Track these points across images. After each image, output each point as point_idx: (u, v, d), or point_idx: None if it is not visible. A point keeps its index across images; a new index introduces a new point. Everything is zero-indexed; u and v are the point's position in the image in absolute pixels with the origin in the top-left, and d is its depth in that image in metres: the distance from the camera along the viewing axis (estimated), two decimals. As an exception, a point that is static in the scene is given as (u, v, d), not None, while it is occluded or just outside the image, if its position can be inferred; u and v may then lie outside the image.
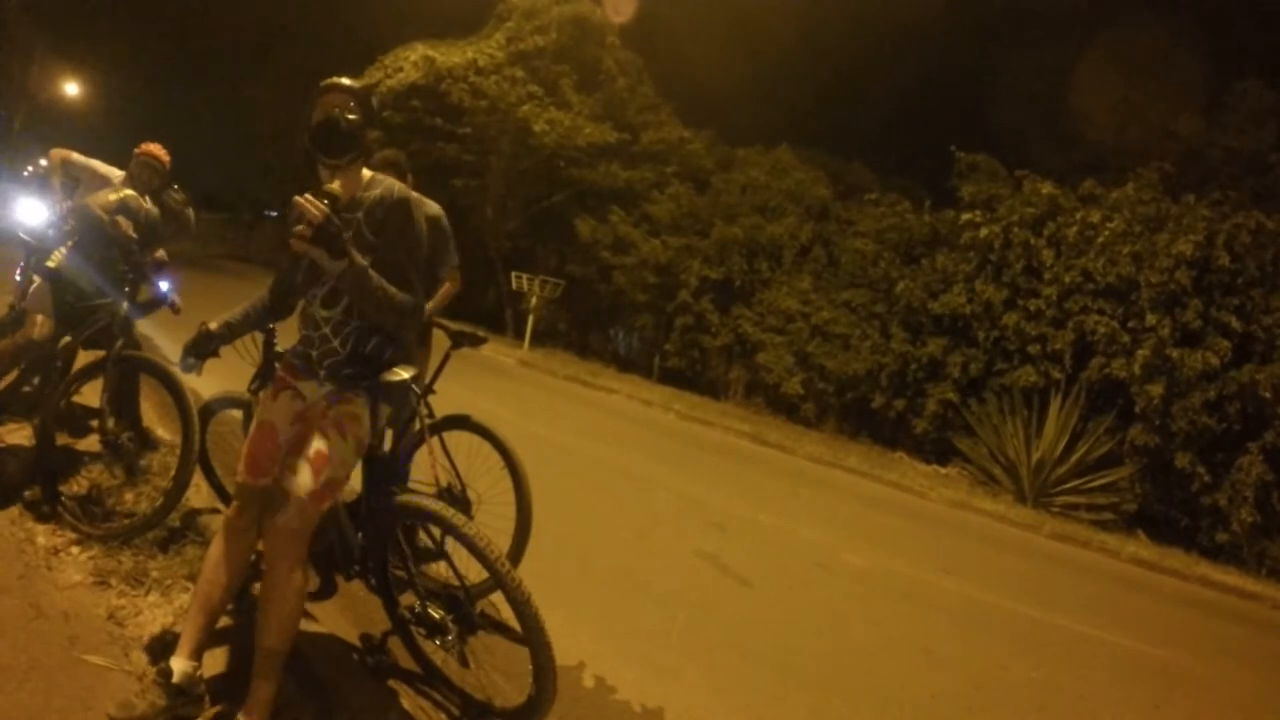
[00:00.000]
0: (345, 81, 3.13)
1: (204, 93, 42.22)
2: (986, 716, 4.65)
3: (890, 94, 36.80)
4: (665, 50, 27.38)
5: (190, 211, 5.63)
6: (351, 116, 3.02)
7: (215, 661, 3.15)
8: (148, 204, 5.25)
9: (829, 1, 30.93)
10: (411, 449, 4.15)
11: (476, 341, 4.49)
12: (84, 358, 4.61)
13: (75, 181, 5.60)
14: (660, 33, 27.41)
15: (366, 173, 3.12)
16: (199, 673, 2.91)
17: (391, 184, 3.07)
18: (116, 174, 5.45)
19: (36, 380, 4.98)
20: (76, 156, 5.54)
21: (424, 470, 4.11)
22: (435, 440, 4.23)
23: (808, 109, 34.16)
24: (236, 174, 43.64)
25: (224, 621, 3.41)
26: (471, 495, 4.26)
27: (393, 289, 2.88)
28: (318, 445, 2.90)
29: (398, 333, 3.09)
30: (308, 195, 2.78)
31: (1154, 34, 22.07)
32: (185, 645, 2.92)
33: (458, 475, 4.25)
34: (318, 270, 2.92)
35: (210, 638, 3.02)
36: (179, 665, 2.85)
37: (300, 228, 2.74)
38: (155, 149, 5.34)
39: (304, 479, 2.84)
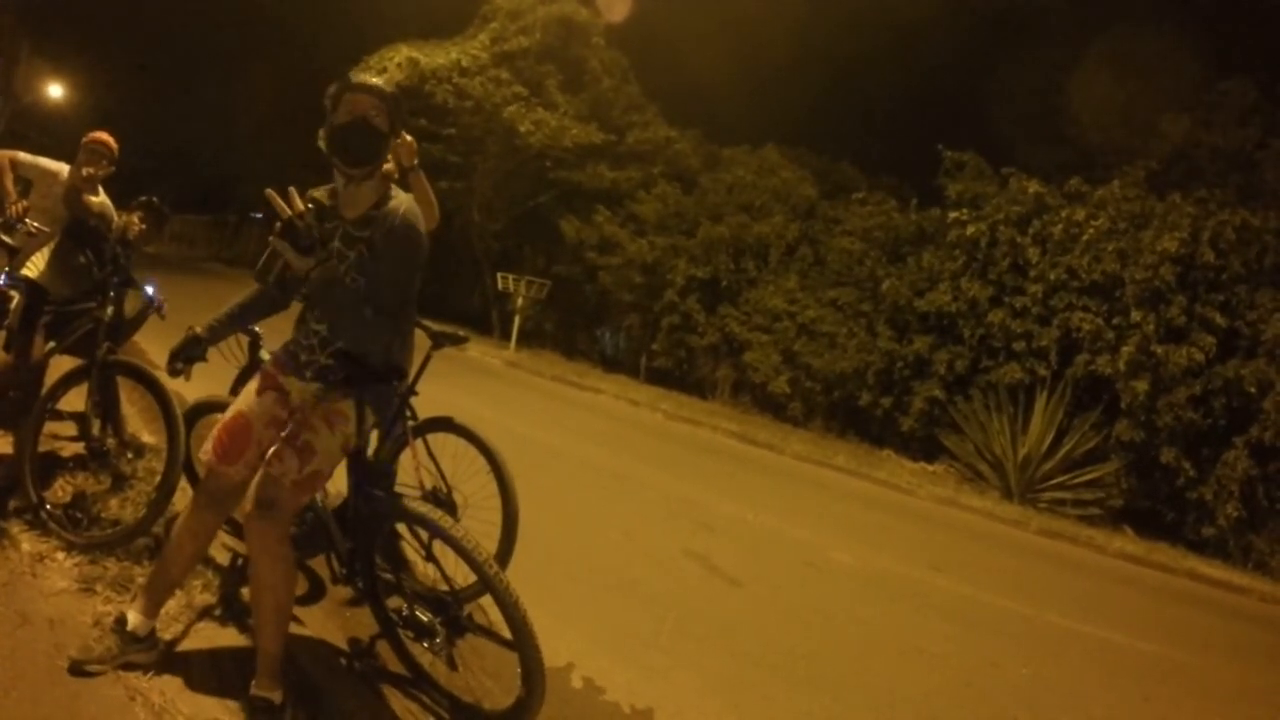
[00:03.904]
0: (377, 83, 3.02)
1: (188, 94, 41.97)
2: (977, 713, 4.66)
3: (878, 93, 36.75)
4: (652, 49, 27.32)
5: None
6: (379, 125, 2.94)
7: (199, 678, 3.13)
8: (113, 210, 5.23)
9: (817, 1, 30.88)
10: (396, 452, 4.13)
11: (457, 341, 4.47)
12: (62, 363, 4.58)
13: (27, 182, 5.52)
14: (647, 32, 27.37)
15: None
16: (151, 628, 3.05)
17: (399, 204, 2.99)
18: (64, 168, 5.39)
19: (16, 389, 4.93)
20: (24, 156, 5.44)
21: (409, 473, 4.09)
22: (419, 443, 4.21)
23: (795, 108, 34.10)
24: (222, 175, 43.30)
25: (214, 635, 3.41)
26: (458, 498, 4.25)
27: (357, 307, 2.83)
28: (306, 437, 2.90)
29: (392, 343, 3.07)
30: (291, 190, 2.76)
31: (1140, 33, 22.14)
32: (141, 603, 3.06)
33: (443, 478, 4.23)
34: (291, 268, 2.87)
35: (163, 601, 3.16)
36: (133, 617, 3.01)
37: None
38: (103, 136, 5.25)
39: (290, 467, 2.83)
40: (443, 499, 4.19)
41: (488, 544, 3.35)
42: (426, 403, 4.40)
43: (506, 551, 4.22)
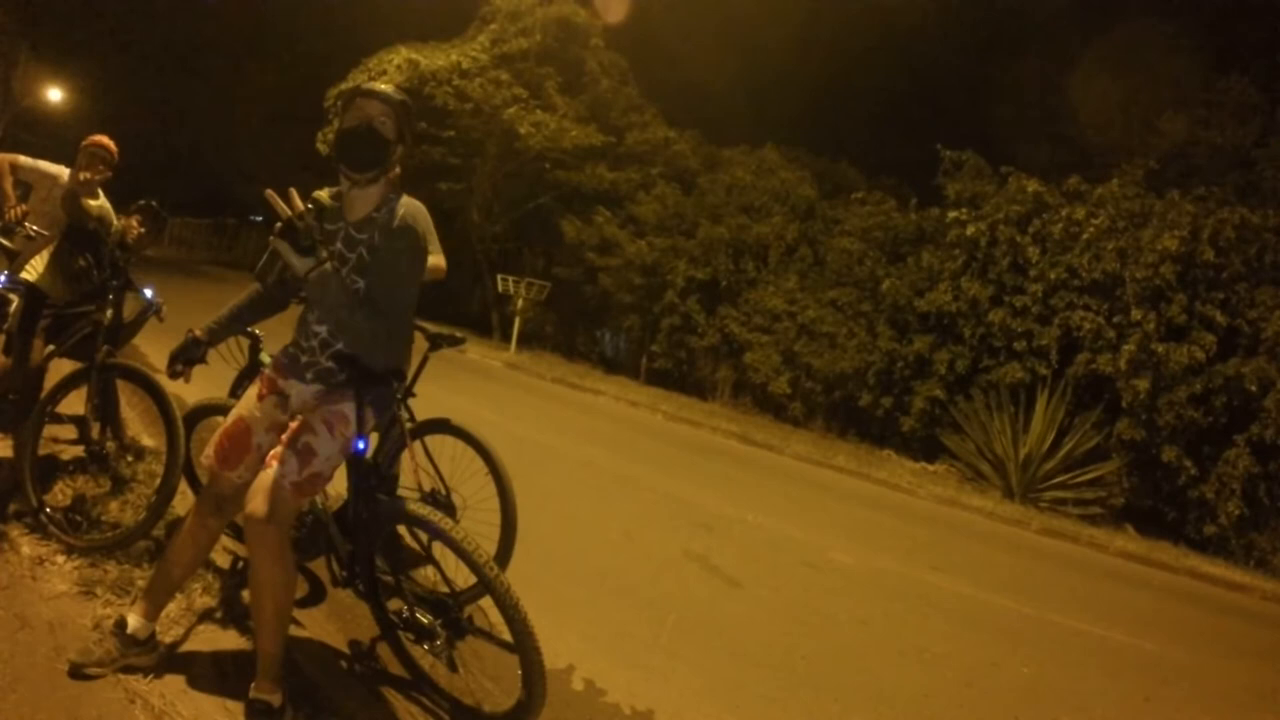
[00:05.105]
0: (386, 89, 3.03)
1: (187, 96, 41.95)
2: (978, 713, 4.66)
3: (877, 93, 36.76)
4: (651, 50, 27.35)
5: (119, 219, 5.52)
6: (385, 131, 2.94)
7: (200, 681, 3.13)
8: (112, 214, 5.22)
9: (817, 1, 30.90)
10: (394, 453, 4.13)
11: (455, 342, 4.46)
12: (61, 366, 4.58)
13: (27, 186, 5.50)
14: (646, 33, 27.39)
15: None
16: (151, 631, 3.06)
17: (400, 207, 2.99)
18: (64, 171, 5.38)
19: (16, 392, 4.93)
20: (23, 159, 5.42)
21: (408, 475, 4.09)
22: (417, 444, 4.21)
23: (794, 108, 34.11)
24: (221, 178, 43.41)
25: (214, 637, 3.41)
26: (456, 499, 4.24)
27: (356, 309, 2.84)
28: (306, 439, 2.90)
29: (391, 345, 3.07)
30: (291, 191, 2.76)
31: (1139, 32, 22.14)
32: (142, 606, 3.07)
33: (441, 479, 4.22)
34: (290, 269, 2.85)
35: (164, 604, 3.18)
36: (134, 620, 3.02)
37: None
38: (103, 139, 5.23)
39: (290, 469, 2.84)
40: (441, 501, 4.18)
41: (487, 545, 3.36)
42: (427, 404, 4.40)
43: (506, 552, 4.22)
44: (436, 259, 4.34)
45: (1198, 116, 18.79)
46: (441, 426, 4.36)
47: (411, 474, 4.07)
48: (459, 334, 4.53)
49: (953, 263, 15.51)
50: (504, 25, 23.57)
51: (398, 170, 3.83)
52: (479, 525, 3.98)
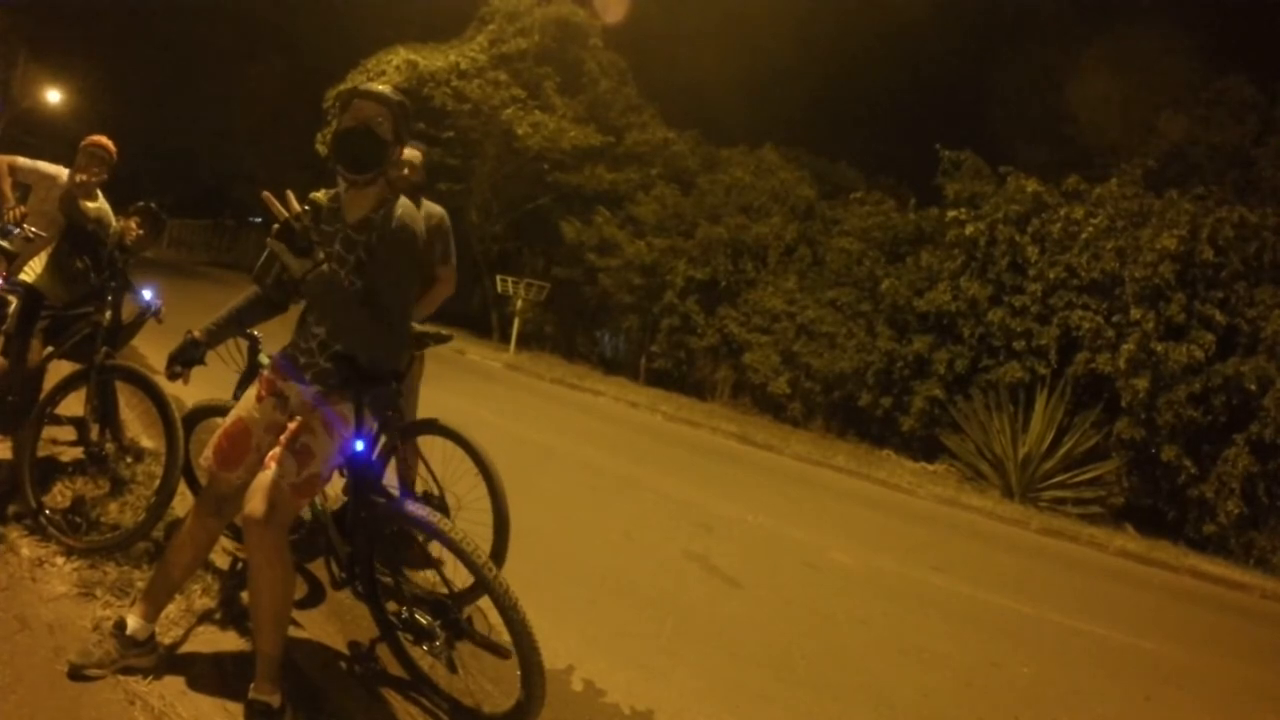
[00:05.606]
0: (383, 90, 3.02)
1: (186, 98, 41.89)
2: (978, 713, 4.65)
3: (877, 93, 36.78)
4: (651, 50, 27.30)
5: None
6: (382, 132, 2.92)
7: (199, 682, 3.13)
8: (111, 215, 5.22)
9: (816, 1, 30.91)
10: (387, 454, 4.12)
11: (441, 340, 4.43)
12: (60, 367, 4.58)
13: (26, 187, 5.50)
14: (645, 33, 27.34)
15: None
16: (150, 632, 3.06)
17: (397, 208, 2.97)
18: (63, 172, 5.38)
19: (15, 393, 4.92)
20: (22, 161, 5.42)
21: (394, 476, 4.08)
22: (410, 445, 4.20)
23: (793, 108, 34.11)
24: (220, 178, 43.36)
25: (213, 638, 3.41)
26: (450, 500, 4.23)
27: (354, 310, 2.84)
28: (304, 440, 2.90)
29: (389, 345, 3.07)
30: (288, 193, 2.76)
31: (1137, 31, 22.17)
32: (141, 607, 3.07)
33: (435, 480, 4.22)
34: (287, 271, 2.84)
35: (163, 605, 3.18)
36: (133, 621, 3.01)
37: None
38: (102, 140, 5.24)
39: (288, 470, 2.83)
40: (435, 501, 4.17)
41: (481, 545, 3.35)
42: (427, 405, 4.39)
43: (500, 551, 4.20)
44: (447, 280, 4.19)
45: (1197, 116, 18.77)
46: (430, 427, 4.34)
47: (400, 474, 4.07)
48: (445, 331, 4.51)
49: (952, 262, 15.51)
50: (502, 26, 23.52)
51: (422, 174, 3.82)
52: (472, 525, 3.98)
